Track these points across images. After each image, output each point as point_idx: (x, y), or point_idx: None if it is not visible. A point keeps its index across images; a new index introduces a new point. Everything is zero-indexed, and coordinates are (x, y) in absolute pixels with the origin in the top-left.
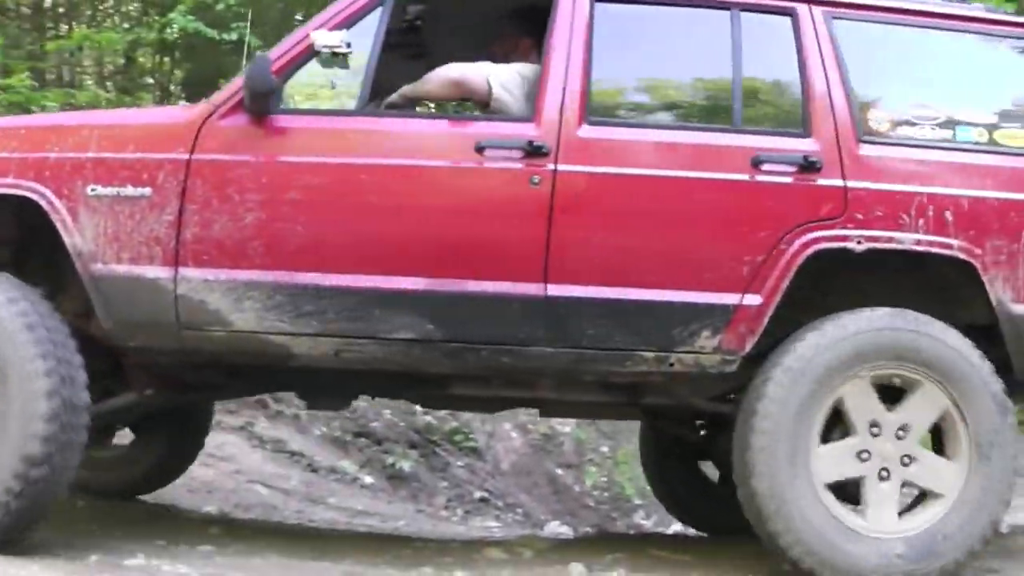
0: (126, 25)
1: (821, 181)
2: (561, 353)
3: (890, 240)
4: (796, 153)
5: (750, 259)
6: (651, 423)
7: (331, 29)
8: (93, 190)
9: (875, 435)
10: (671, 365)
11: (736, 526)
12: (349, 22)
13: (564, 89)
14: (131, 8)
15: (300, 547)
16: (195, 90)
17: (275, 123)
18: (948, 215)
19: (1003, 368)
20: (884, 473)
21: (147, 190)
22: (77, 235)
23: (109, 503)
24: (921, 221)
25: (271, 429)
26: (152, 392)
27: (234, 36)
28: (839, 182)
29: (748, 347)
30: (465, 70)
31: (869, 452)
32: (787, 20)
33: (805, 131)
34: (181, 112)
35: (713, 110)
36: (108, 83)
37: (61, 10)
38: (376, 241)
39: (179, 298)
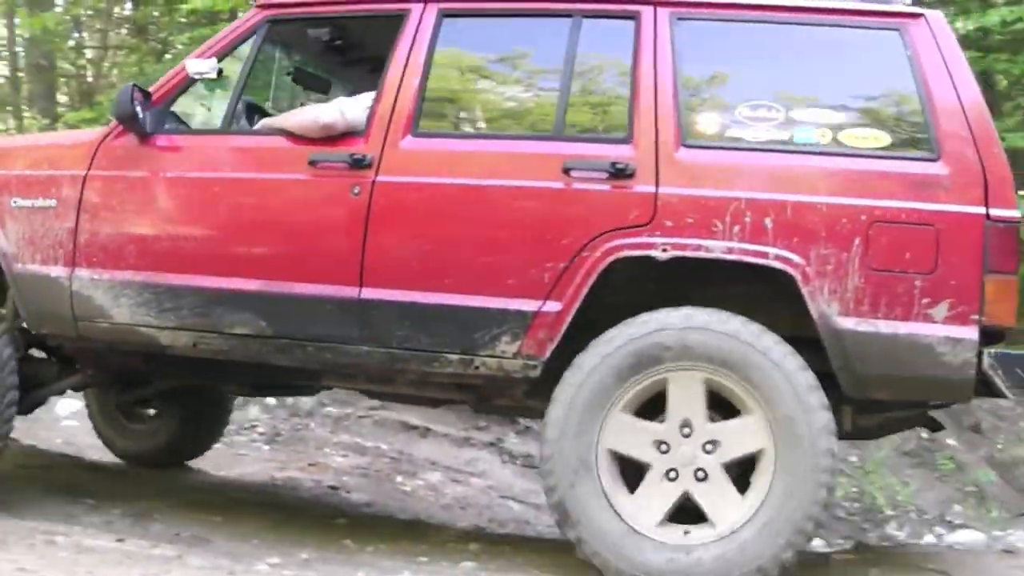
0: None
1: (636, 188)
2: (375, 352)
3: (699, 248)
4: (605, 160)
5: (552, 266)
6: None
7: (206, 59)
8: (15, 202)
9: (685, 435)
10: (476, 368)
11: None
12: (223, 52)
13: (394, 103)
14: None
15: (561, 563)
16: None
17: (154, 142)
18: (767, 222)
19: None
20: (672, 474)
21: (53, 202)
22: (3, 240)
23: (363, 518)
24: (736, 228)
25: (520, 445)
26: (92, 373)
27: None
28: (650, 188)
29: (548, 353)
30: (330, 114)
31: (668, 447)
32: (630, 24)
33: (627, 137)
34: (87, 134)
35: (538, 119)
36: None
37: None
38: (223, 246)
39: (73, 294)
